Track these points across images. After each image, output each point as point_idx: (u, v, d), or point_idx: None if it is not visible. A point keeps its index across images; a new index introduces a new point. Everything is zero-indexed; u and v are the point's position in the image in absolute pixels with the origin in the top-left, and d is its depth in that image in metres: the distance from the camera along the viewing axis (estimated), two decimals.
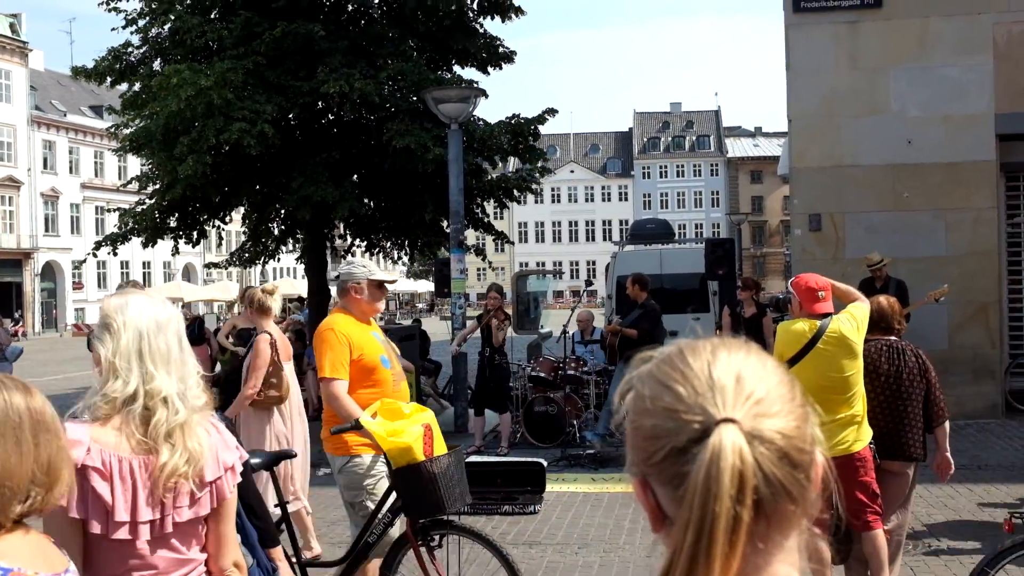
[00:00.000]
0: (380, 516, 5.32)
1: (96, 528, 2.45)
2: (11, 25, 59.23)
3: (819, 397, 5.11)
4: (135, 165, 18.82)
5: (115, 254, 18.45)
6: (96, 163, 65.44)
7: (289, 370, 7.50)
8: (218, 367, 13.81)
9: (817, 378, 5.16)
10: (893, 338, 5.80)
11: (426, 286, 77.59)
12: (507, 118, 17.28)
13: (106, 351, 2.54)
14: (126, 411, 2.49)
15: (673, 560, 1.01)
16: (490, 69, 18.27)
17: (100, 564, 2.49)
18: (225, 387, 11.26)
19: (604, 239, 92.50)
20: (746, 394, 1.04)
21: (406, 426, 4.93)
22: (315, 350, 5.54)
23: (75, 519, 2.44)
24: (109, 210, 20.41)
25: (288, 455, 6.10)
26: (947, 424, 5.78)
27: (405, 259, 22.15)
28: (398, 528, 5.44)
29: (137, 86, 17.39)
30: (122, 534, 2.47)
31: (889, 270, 11.84)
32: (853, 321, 5.37)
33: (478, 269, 73.55)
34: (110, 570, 2.50)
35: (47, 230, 60.65)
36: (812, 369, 5.21)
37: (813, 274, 5.76)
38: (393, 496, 5.26)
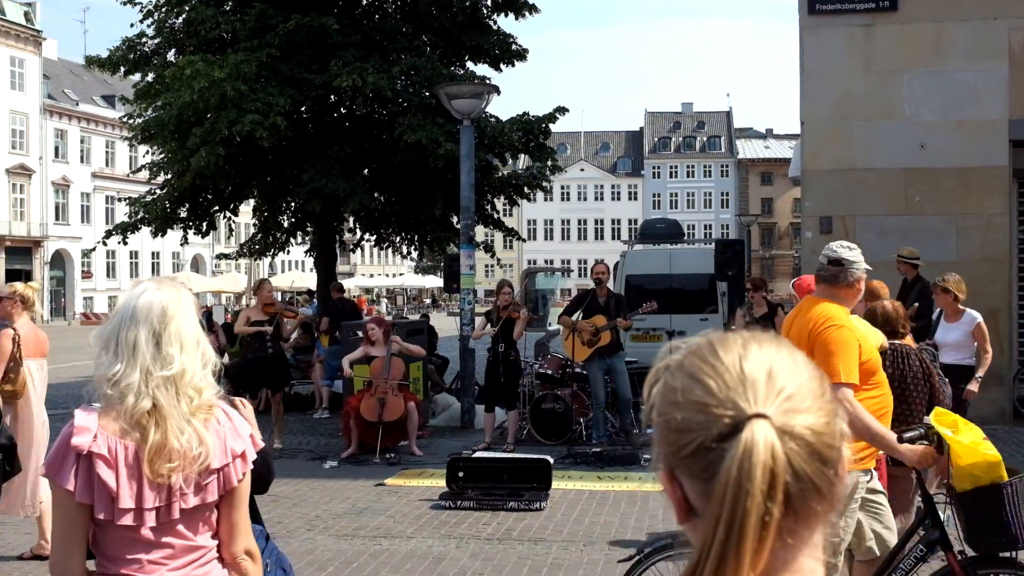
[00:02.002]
0: (909, 549, 4.60)
1: (102, 514, 2.47)
2: (25, 14, 59.38)
3: None
4: (145, 156, 18.85)
5: (125, 243, 18.50)
6: (107, 152, 65.60)
7: (35, 367, 7.24)
8: (225, 358, 13.85)
9: None
10: (897, 342, 5.79)
11: (433, 282, 77.70)
12: (518, 115, 17.30)
13: (111, 339, 2.58)
14: (128, 398, 2.51)
15: (702, 554, 1.01)
16: (502, 66, 18.29)
17: (108, 548, 2.52)
18: (234, 377, 11.32)
19: (613, 238, 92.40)
20: (777, 389, 1.04)
21: (973, 437, 4.21)
22: (821, 349, 4.37)
23: (82, 504, 2.46)
24: (120, 199, 20.43)
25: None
26: None
27: (414, 254, 22.18)
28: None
29: (151, 76, 17.44)
30: (127, 520, 2.49)
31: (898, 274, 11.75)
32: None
33: (486, 266, 73.57)
34: (118, 554, 2.52)
35: (57, 219, 60.82)
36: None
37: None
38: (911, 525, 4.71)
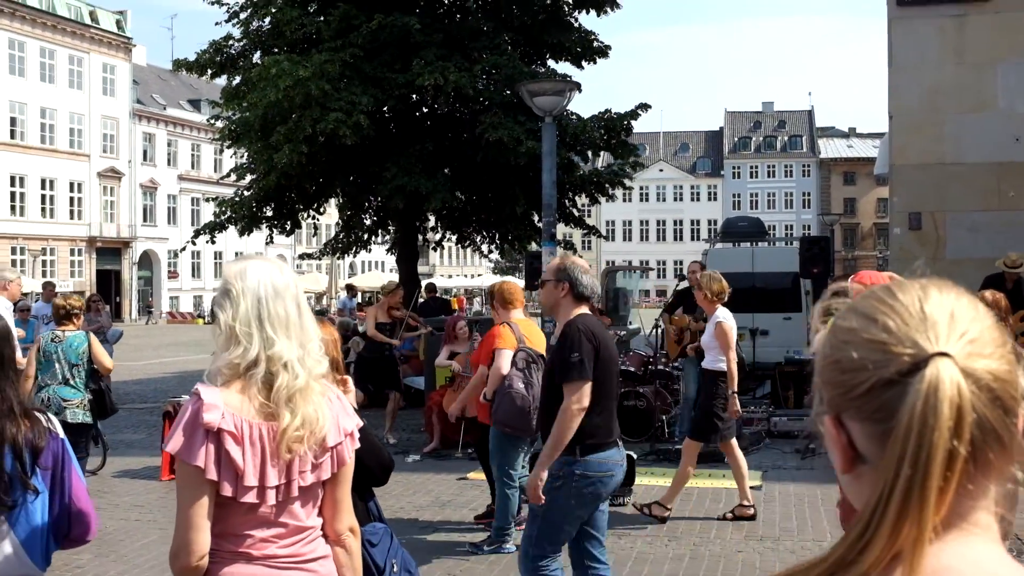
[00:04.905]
0: None
1: (227, 491, 2.47)
2: (117, 22, 61.15)
3: None
4: (231, 159, 19.25)
5: (212, 241, 18.89)
6: (193, 155, 67.15)
7: None
8: None
9: None
10: None
11: None
12: (600, 113, 17.25)
13: (226, 317, 2.55)
14: (248, 376, 2.51)
15: (881, 498, 0.98)
16: (584, 63, 18.25)
17: (224, 526, 2.52)
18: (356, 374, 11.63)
19: (692, 239, 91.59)
20: (960, 331, 1.01)
21: None
22: None
23: (211, 481, 2.46)
24: (208, 199, 20.87)
25: None
26: None
27: (494, 253, 22.25)
28: None
29: (237, 78, 17.80)
30: (250, 498, 2.49)
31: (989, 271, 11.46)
32: None
33: None
34: (233, 531, 2.53)
35: (145, 220, 62.43)
36: None
37: (872, 271, 5.54)
38: None
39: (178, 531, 2.50)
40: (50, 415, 2.76)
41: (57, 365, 7.84)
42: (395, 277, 18.49)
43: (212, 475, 2.45)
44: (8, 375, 2.65)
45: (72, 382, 7.87)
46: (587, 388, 4.54)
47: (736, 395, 8.41)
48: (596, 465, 4.66)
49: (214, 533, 2.50)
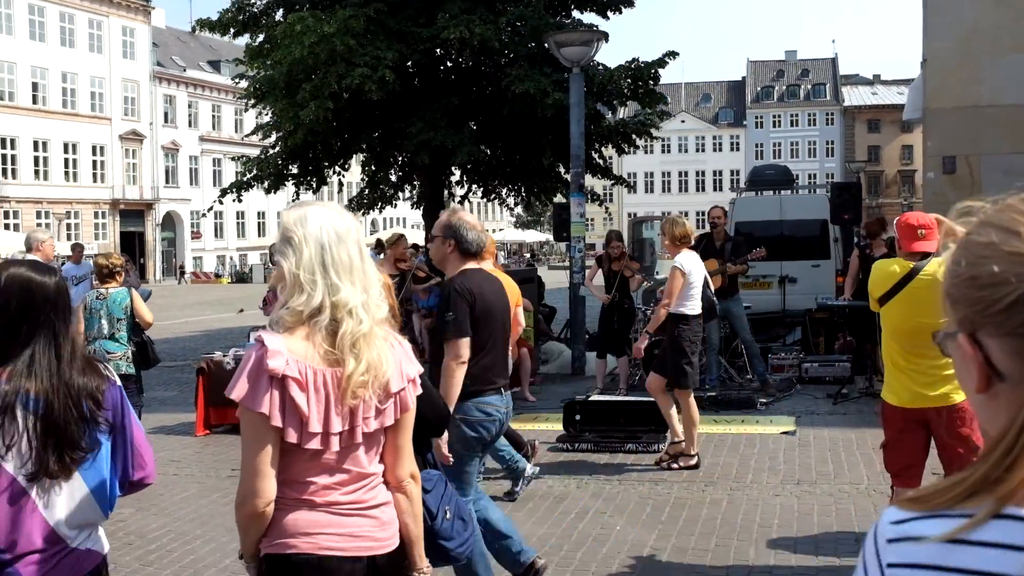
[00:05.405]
0: None
1: (292, 437, 2.47)
2: None
3: (910, 341, 4.86)
4: (252, 119, 19.22)
5: (239, 200, 18.93)
6: (214, 116, 67.13)
7: None
8: None
9: (905, 321, 4.88)
10: None
11: (534, 236, 77.77)
12: (627, 62, 17.06)
13: (289, 264, 2.53)
14: (312, 323, 2.50)
15: None
16: (609, 13, 18.04)
17: (287, 473, 2.52)
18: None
19: (715, 189, 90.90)
20: None
21: None
22: None
23: (276, 427, 2.46)
24: (232, 158, 20.86)
25: None
26: None
27: (519, 207, 22.19)
28: None
29: (261, 36, 17.72)
30: (315, 444, 2.49)
31: None
32: None
33: (589, 219, 72.83)
34: (296, 478, 2.53)
35: (167, 182, 62.62)
36: (900, 311, 4.93)
37: (919, 212, 5.41)
38: None
39: (244, 478, 2.50)
40: (105, 364, 2.79)
41: (103, 321, 8.12)
42: (406, 231, 18.42)
43: (277, 422, 2.44)
44: (69, 328, 2.67)
45: (117, 336, 8.17)
46: (464, 343, 4.74)
47: (649, 335, 8.49)
48: (473, 410, 4.88)
49: (283, 480, 2.51)
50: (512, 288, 7.48)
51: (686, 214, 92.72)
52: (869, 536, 1.07)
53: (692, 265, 8.07)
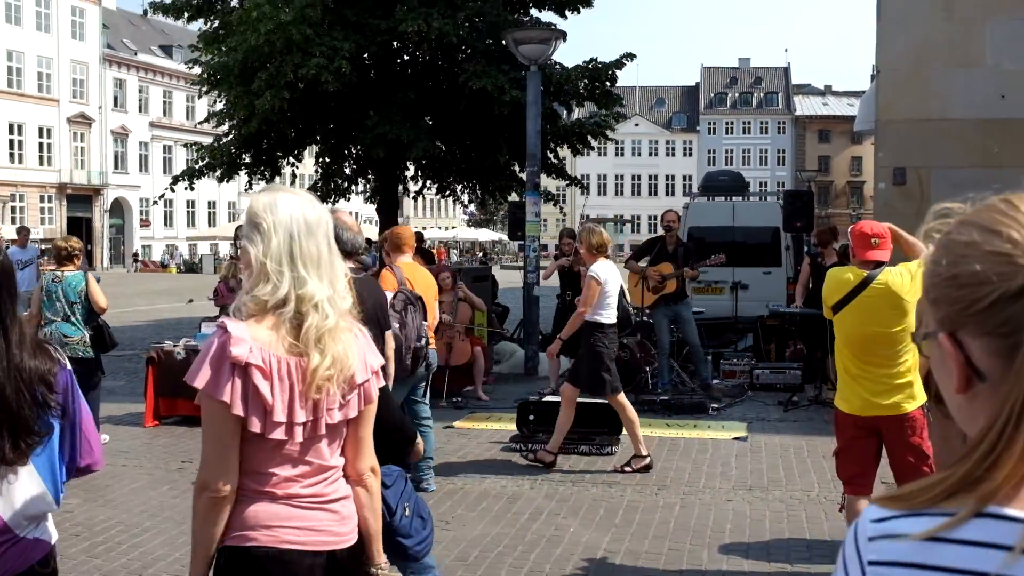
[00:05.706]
0: None
1: (256, 427, 2.41)
2: None
3: (862, 349, 4.95)
4: (204, 106, 18.95)
5: (192, 188, 18.65)
6: (165, 102, 66.20)
7: None
8: None
9: (858, 329, 4.96)
10: None
11: (486, 235, 77.68)
12: (585, 62, 17.08)
13: (256, 252, 2.47)
14: (277, 314, 2.45)
15: (1013, 410, 0.96)
16: (567, 13, 18.04)
17: (248, 464, 2.47)
18: None
19: (667, 194, 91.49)
20: None
21: None
22: None
23: (237, 417, 2.40)
24: (184, 145, 20.56)
25: None
26: None
27: (471, 207, 22.14)
28: None
29: (216, 22, 17.48)
30: (278, 434, 2.44)
31: None
32: (907, 274, 4.93)
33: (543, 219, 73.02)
34: (257, 469, 2.48)
35: (116, 167, 61.62)
36: (853, 319, 4.99)
37: (872, 221, 5.43)
38: None
39: (203, 466, 2.46)
40: (56, 346, 2.70)
41: (58, 303, 8.23)
42: (369, 226, 18.31)
43: (238, 410, 2.39)
44: (16, 310, 2.58)
45: (72, 319, 8.25)
46: None
47: (561, 340, 8.57)
48: None
49: (245, 470, 2.46)
50: (428, 281, 7.55)
51: (638, 217, 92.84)
52: (849, 534, 1.07)
53: (608, 274, 8.08)
